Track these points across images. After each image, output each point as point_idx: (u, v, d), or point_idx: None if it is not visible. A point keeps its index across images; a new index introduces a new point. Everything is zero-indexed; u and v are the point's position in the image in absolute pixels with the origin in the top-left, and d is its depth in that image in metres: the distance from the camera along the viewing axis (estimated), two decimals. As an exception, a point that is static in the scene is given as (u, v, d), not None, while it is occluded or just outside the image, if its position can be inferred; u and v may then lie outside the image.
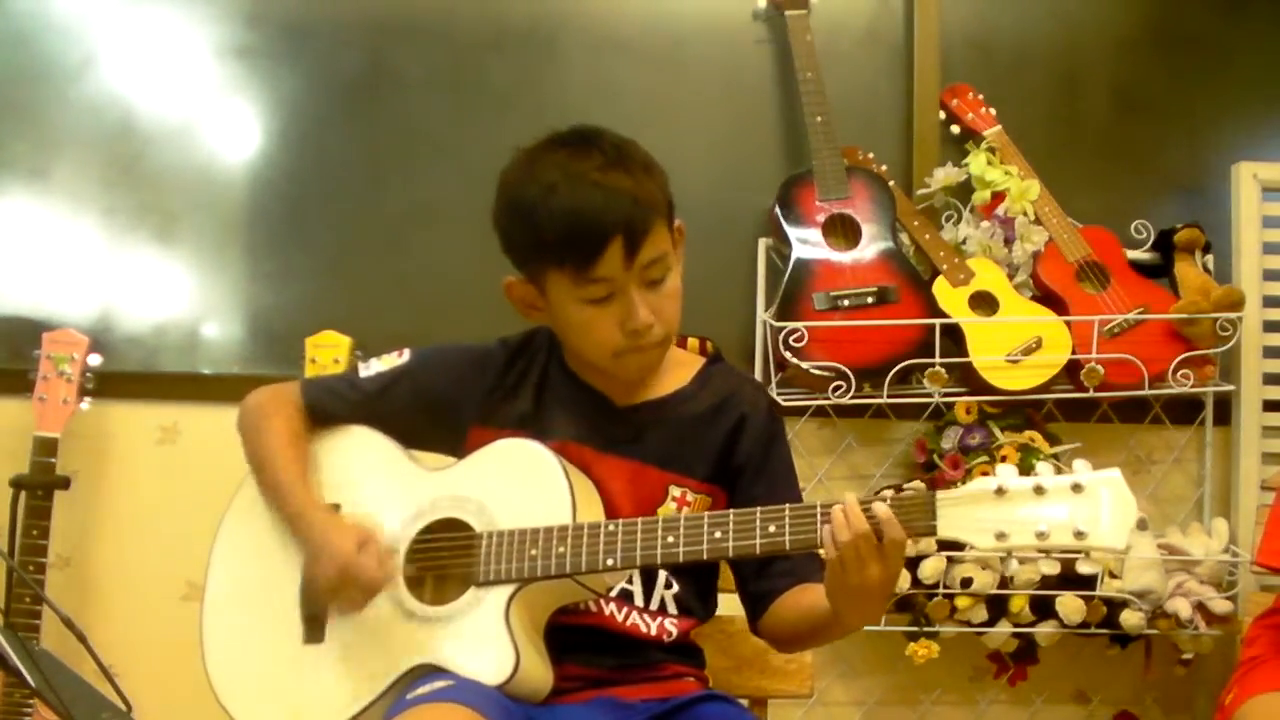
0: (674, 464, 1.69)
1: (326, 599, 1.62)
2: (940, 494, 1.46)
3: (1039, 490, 1.43)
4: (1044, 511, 1.42)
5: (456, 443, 1.72)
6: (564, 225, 1.57)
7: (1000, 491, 1.44)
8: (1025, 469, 2.63)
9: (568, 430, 1.68)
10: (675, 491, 1.69)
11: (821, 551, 1.49)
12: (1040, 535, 1.41)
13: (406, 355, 1.76)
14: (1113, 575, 2.67)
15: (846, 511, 1.46)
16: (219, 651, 1.69)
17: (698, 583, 1.73)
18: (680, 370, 1.75)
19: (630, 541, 1.56)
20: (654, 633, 1.68)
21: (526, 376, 1.74)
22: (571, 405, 1.71)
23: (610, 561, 1.56)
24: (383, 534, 1.63)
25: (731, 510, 1.56)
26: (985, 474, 2.62)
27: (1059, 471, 1.46)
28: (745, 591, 1.73)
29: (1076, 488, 1.42)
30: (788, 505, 1.54)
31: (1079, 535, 1.41)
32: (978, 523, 1.44)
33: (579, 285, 1.60)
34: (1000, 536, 1.43)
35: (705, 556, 1.55)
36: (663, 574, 1.69)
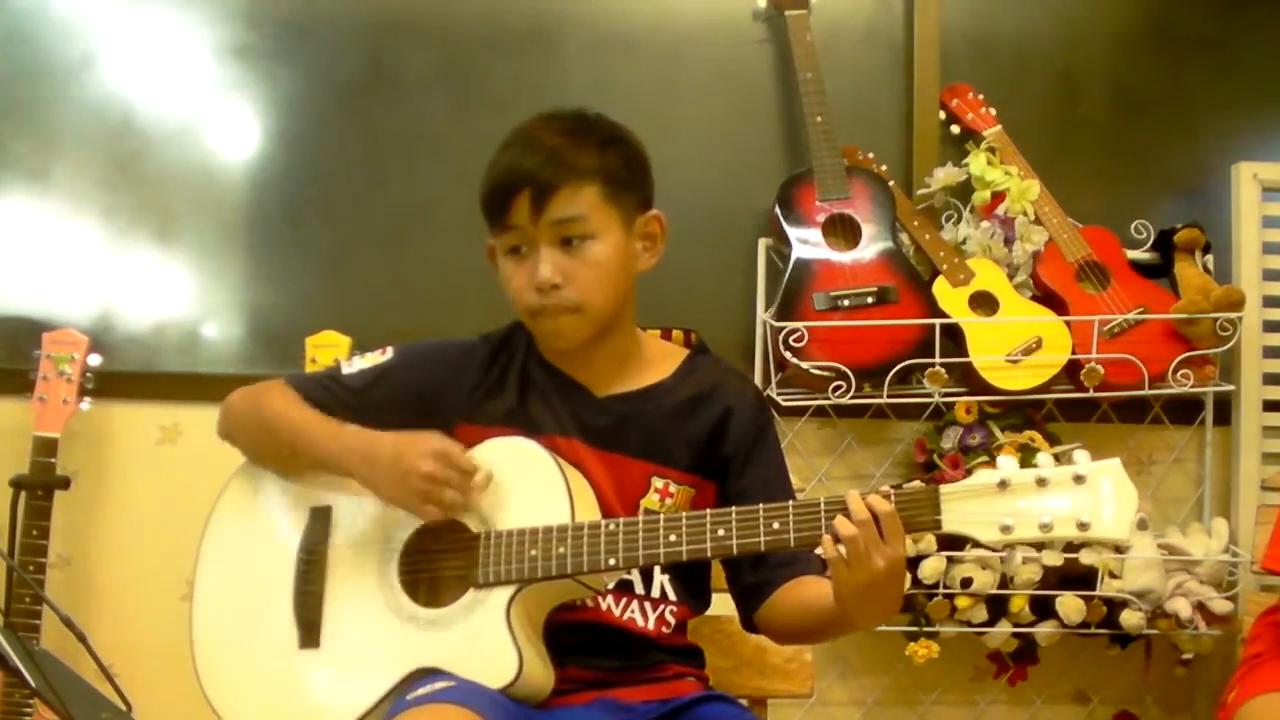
0: (655, 455, 1.69)
1: (420, 504, 1.58)
2: (944, 488, 1.47)
3: (1041, 482, 1.44)
4: (1047, 503, 1.43)
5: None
6: (493, 173, 1.66)
7: (1003, 484, 1.45)
8: (1025, 467, 2.66)
9: (552, 424, 1.68)
10: (658, 483, 1.68)
11: (820, 550, 1.49)
12: (1044, 527, 1.42)
13: (390, 353, 1.76)
14: (1113, 575, 2.67)
15: (847, 504, 1.46)
16: (212, 660, 1.67)
17: (693, 571, 1.72)
18: (663, 362, 1.75)
19: (631, 541, 1.56)
20: (652, 626, 1.68)
21: (509, 372, 1.73)
22: (553, 398, 1.71)
23: (612, 561, 1.56)
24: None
25: (734, 508, 1.55)
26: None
27: (1059, 463, 1.46)
28: (740, 584, 1.71)
29: (1078, 479, 1.43)
30: (791, 502, 1.54)
31: (1082, 526, 1.42)
32: (982, 516, 1.45)
33: (498, 233, 1.66)
34: (1005, 529, 1.43)
35: (709, 555, 1.55)
36: None
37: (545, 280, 1.62)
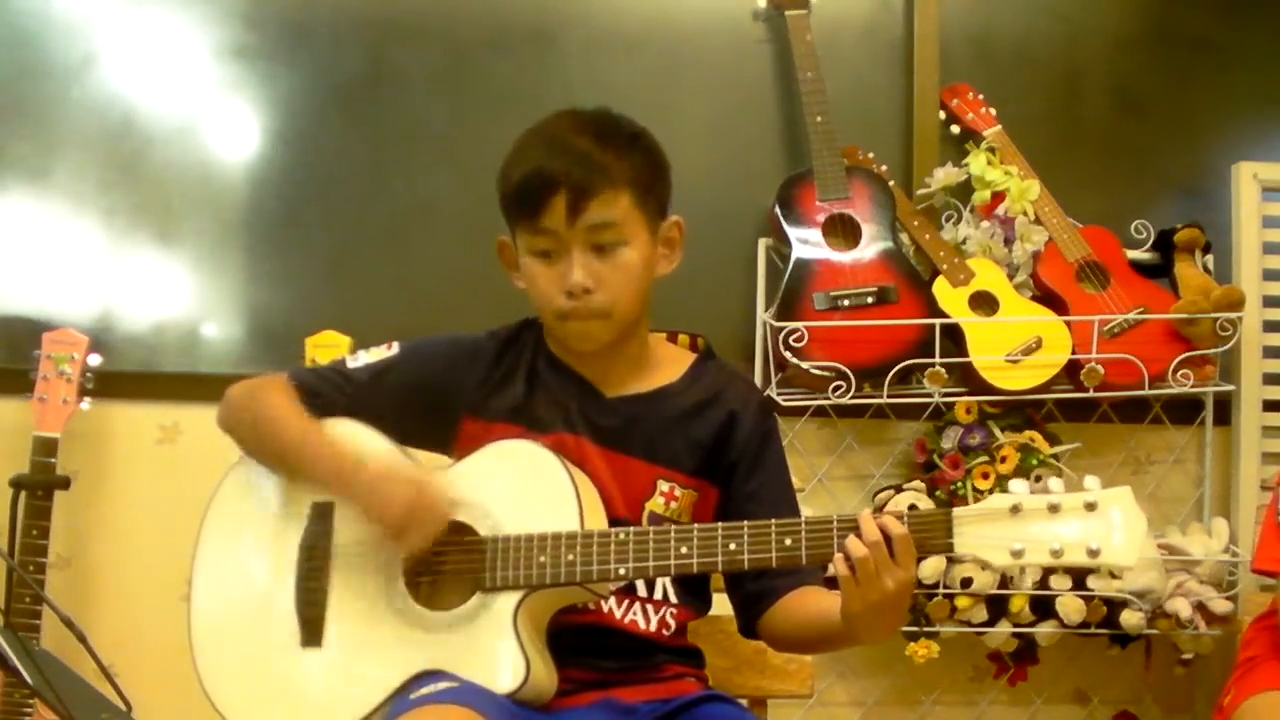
0: (661, 458, 1.69)
1: (393, 540, 1.58)
2: (957, 512, 1.48)
3: (1053, 508, 1.45)
4: (1058, 529, 1.44)
5: (447, 434, 1.72)
6: (521, 175, 1.63)
7: (1015, 510, 1.46)
8: (1025, 469, 2.67)
9: (559, 422, 1.68)
10: (663, 486, 1.68)
11: (832, 569, 1.49)
12: (1055, 554, 1.44)
13: (395, 347, 1.76)
14: (1113, 575, 2.67)
15: (859, 524, 1.47)
16: (212, 659, 1.66)
17: (694, 575, 1.71)
18: (671, 366, 1.75)
19: (642, 551, 1.55)
20: (653, 627, 1.68)
21: (516, 368, 1.73)
22: (561, 396, 1.71)
23: (622, 571, 1.55)
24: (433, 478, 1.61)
25: (746, 523, 1.55)
26: (985, 474, 2.66)
27: (1067, 483, 1.47)
28: (741, 591, 1.71)
29: (1090, 506, 1.44)
30: (804, 519, 1.54)
31: (1092, 553, 1.43)
32: (994, 541, 1.46)
33: (528, 235, 1.64)
34: (1016, 554, 1.45)
35: (720, 568, 1.56)
36: None
37: (579, 285, 1.62)
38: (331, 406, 1.72)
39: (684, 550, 1.55)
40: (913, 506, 2.74)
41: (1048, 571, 2.64)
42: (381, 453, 1.63)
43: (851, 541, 1.47)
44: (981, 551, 1.46)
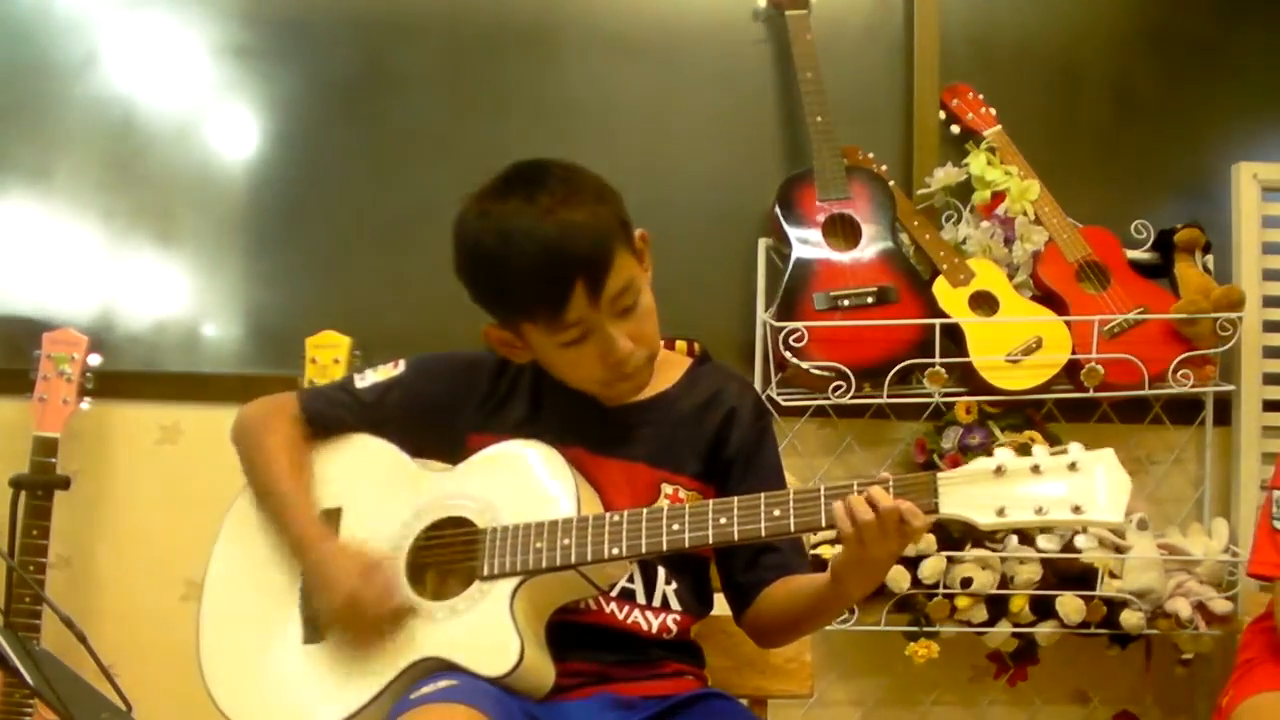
0: (665, 462, 1.71)
1: (336, 631, 1.62)
2: (941, 474, 1.49)
3: (1036, 469, 1.47)
4: (1042, 489, 1.46)
5: (455, 450, 1.72)
6: (526, 278, 1.57)
7: (999, 471, 1.47)
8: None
9: (563, 435, 1.69)
10: (668, 489, 1.70)
11: (834, 532, 1.51)
12: (1039, 511, 1.45)
13: (401, 365, 1.78)
14: (1113, 575, 2.67)
15: (872, 493, 1.48)
16: (215, 654, 1.69)
17: (695, 578, 1.74)
18: (669, 371, 1.76)
19: (635, 530, 1.57)
20: (655, 630, 1.69)
21: (519, 384, 1.75)
22: (565, 410, 1.72)
23: (615, 550, 1.56)
24: (387, 564, 1.62)
25: (735, 497, 1.57)
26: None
27: (1054, 453, 1.49)
28: (734, 583, 1.74)
29: (1073, 466, 1.46)
30: (791, 490, 1.56)
31: (1076, 510, 1.44)
32: (978, 500, 1.47)
33: (553, 332, 1.60)
34: (1000, 513, 1.46)
35: (710, 542, 1.56)
36: (662, 571, 1.70)
37: (626, 353, 1.62)
38: (341, 427, 1.76)
39: (675, 527, 1.56)
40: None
41: (1048, 572, 2.65)
42: (333, 547, 1.64)
43: (859, 503, 1.47)
44: (966, 511, 1.47)
